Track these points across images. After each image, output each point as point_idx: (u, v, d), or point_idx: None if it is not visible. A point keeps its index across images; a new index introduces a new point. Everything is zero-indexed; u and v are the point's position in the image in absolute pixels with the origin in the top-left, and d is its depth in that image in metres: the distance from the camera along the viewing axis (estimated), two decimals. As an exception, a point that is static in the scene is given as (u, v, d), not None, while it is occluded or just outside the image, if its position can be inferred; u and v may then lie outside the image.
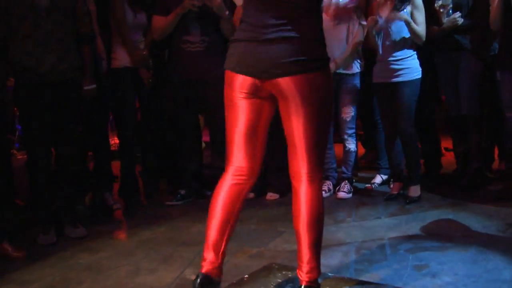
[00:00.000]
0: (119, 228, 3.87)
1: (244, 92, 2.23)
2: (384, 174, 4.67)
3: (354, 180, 4.65)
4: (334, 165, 4.58)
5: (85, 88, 3.72)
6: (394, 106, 4.08)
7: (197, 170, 4.52)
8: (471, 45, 4.21)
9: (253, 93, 2.23)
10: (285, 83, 2.16)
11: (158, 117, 4.70)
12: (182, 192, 4.45)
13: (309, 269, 2.29)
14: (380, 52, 4.10)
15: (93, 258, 3.24)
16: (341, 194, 4.36)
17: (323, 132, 2.27)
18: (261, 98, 2.25)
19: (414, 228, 3.48)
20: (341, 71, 4.31)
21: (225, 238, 2.31)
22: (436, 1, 4.16)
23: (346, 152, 4.45)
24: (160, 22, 4.22)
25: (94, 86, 3.79)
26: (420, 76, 4.05)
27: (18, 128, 6.82)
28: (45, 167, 3.61)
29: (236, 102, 2.26)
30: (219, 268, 2.33)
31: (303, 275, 2.30)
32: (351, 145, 4.43)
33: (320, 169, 2.29)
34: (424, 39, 4.01)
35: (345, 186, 4.40)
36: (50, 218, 3.63)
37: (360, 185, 4.73)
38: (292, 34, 2.15)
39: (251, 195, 4.24)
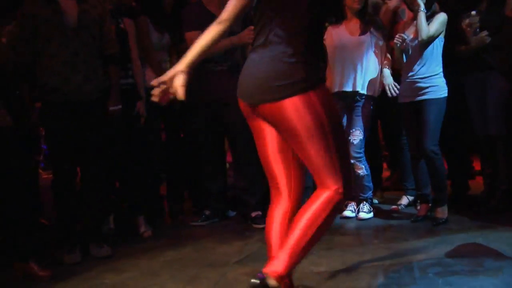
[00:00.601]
0: (144, 248, 3.85)
1: (251, 117, 2.20)
2: (411, 195, 4.61)
3: (373, 200, 4.59)
4: (356, 186, 4.47)
5: (111, 108, 3.74)
6: (419, 125, 4.03)
7: (221, 191, 4.51)
8: (499, 64, 4.16)
9: (258, 116, 2.17)
10: (265, 110, 2.10)
11: (182, 138, 4.71)
12: (207, 212, 4.45)
13: (276, 259, 2.07)
14: (407, 70, 4.07)
15: (118, 278, 3.22)
16: (361, 215, 4.32)
17: (328, 155, 2.08)
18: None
19: (442, 251, 3.39)
20: (357, 90, 4.29)
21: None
22: (463, 20, 4.13)
23: (357, 177, 4.37)
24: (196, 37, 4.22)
25: (119, 106, 3.81)
26: (446, 95, 4.01)
27: (43, 148, 6.90)
28: (70, 186, 3.63)
29: (252, 127, 2.23)
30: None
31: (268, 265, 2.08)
32: (360, 170, 4.36)
33: (339, 183, 2.09)
34: (425, 37, 3.90)
35: (364, 206, 4.36)
36: (75, 237, 3.64)
37: (386, 207, 4.67)
38: (267, 56, 2.08)
39: None
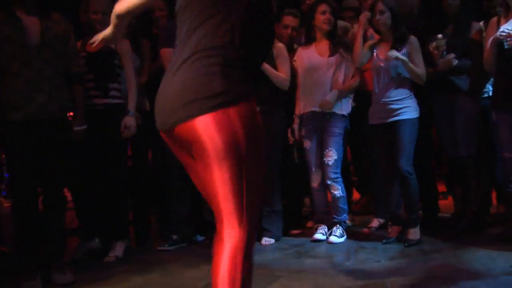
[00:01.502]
0: (109, 274, 3.68)
1: (175, 148, 1.88)
2: (381, 218, 4.56)
3: (347, 223, 4.51)
4: (327, 208, 4.45)
5: (76, 128, 3.63)
6: (393, 146, 4.02)
7: (189, 214, 4.38)
8: (467, 86, 4.19)
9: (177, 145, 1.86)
10: (179, 133, 1.77)
11: (146, 159, 4.59)
12: (174, 237, 4.32)
13: None
14: (379, 93, 4.06)
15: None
16: (332, 239, 4.23)
17: (237, 186, 1.71)
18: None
19: (416, 271, 3.32)
20: (327, 111, 4.27)
21: None
22: (430, 43, 4.16)
23: (333, 198, 4.33)
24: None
25: (84, 127, 3.70)
26: (418, 115, 4.03)
27: (5, 176, 6.67)
28: (31, 210, 3.46)
29: (181, 160, 1.91)
30: None
31: None
32: (336, 191, 4.30)
33: (243, 224, 1.72)
34: (424, 79, 4.01)
35: (337, 230, 4.28)
36: (35, 264, 3.46)
37: (357, 229, 4.61)
38: (181, 72, 1.76)
39: None
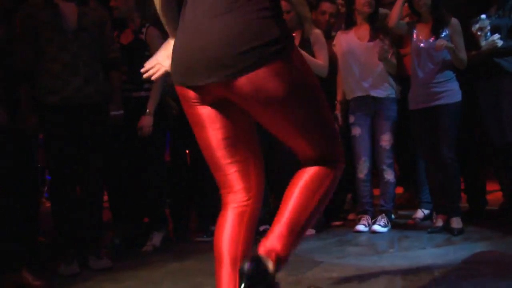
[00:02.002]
0: (146, 261, 3.64)
1: (195, 105, 1.73)
2: (426, 209, 4.40)
3: (393, 216, 4.37)
4: (371, 199, 4.31)
5: (112, 113, 3.62)
6: (435, 131, 3.87)
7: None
8: (512, 68, 4.01)
9: (205, 102, 1.72)
10: (236, 86, 1.60)
11: (184, 152, 4.55)
12: (212, 228, 4.24)
13: (271, 236, 1.66)
14: (421, 75, 3.93)
15: (118, 287, 3.02)
16: (376, 228, 4.09)
17: (326, 120, 1.74)
18: (221, 103, 1.71)
19: (463, 257, 3.18)
20: (374, 94, 4.16)
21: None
22: (473, 25, 4.00)
23: (385, 183, 4.21)
24: None
25: (121, 112, 3.69)
26: (460, 99, 3.89)
27: (48, 178, 6.77)
28: (68, 194, 3.46)
29: (193, 116, 1.76)
30: None
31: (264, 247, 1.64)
32: (390, 176, 4.19)
33: (342, 153, 1.78)
34: (466, 63, 3.88)
35: (382, 219, 4.14)
36: (73, 250, 3.44)
37: (401, 221, 4.46)
38: (223, 16, 1.60)
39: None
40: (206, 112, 1.73)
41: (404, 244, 3.66)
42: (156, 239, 4.06)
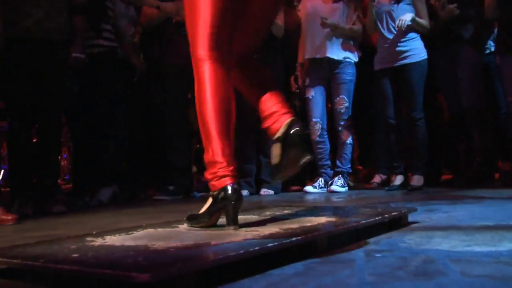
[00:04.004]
0: (103, 209, 3.58)
1: None
2: (384, 174, 4.45)
3: (349, 177, 4.40)
4: (328, 161, 4.35)
5: (74, 55, 3.58)
6: (402, 90, 3.95)
7: (186, 166, 4.28)
8: (469, 36, 4.13)
9: None
10: None
11: (144, 109, 4.52)
12: (171, 187, 4.20)
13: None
14: (389, 36, 4.00)
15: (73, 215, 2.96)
16: (333, 187, 4.13)
17: None
18: None
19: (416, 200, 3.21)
20: (331, 56, 4.21)
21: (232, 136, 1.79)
22: (430, -5, 4.13)
23: (341, 144, 4.26)
24: (148, 11, 4.19)
25: (83, 56, 3.65)
26: (426, 57, 3.98)
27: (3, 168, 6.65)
28: (25, 138, 3.38)
29: None
30: None
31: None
32: (346, 137, 4.24)
33: None
34: (429, 27, 3.99)
35: (338, 180, 4.17)
36: (28, 194, 3.36)
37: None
38: None
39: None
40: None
41: (362, 202, 3.66)
42: (104, 193, 4.01)
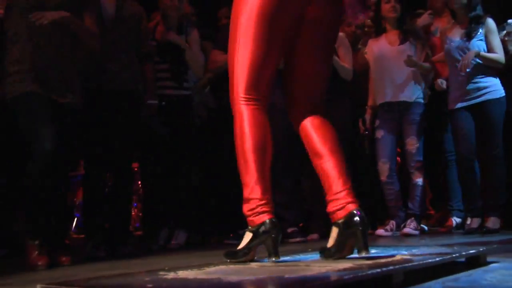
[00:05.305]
0: (169, 252, 3.61)
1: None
2: (458, 217, 4.28)
3: (426, 228, 4.27)
4: (399, 203, 4.22)
5: (148, 102, 3.72)
6: (480, 128, 3.85)
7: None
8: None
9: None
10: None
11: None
12: (241, 232, 4.17)
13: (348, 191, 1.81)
14: (463, 73, 3.88)
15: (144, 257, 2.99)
16: (407, 230, 3.99)
17: None
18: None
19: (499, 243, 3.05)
20: (403, 99, 4.16)
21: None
22: (500, 31, 4.04)
23: (413, 185, 4.13)
24: (219, 57, 4.25)
25: (156, 102, 3.79)
26: (504, 94, 3.87)
27: (77, 216, 6.83)
28: (100, 183, 3.50)
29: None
30: None
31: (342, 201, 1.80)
32: (418, 179, 4.12)
33: None
34: (503, 61, 3.87)
35: (411, 223, 4.04)
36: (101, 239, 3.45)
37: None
38: None
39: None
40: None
41: (436, 241, 3.54)
42: (181, 237, 4.03)
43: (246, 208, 1.79)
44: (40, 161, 2.83)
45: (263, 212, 1.75)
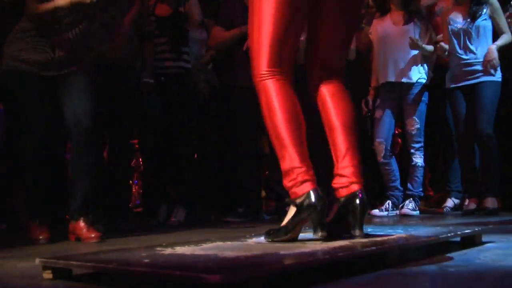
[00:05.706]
0: (168, 228, 3.64)
1: None
2: (456, 198, 4.30)
3: (420, 201, 4.29)
4: (396, 183, 4.23)
5: (144, 80, 3.71)
6: (474, 108, 3.84)
7: (256, 188, 4.30)
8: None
9: None
10: None
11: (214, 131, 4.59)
12: (240, 209, 4.21)
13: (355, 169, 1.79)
14: (464, 56, 3.91)
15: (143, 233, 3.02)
16: (405, 210, 4.03)
17: None
18: None
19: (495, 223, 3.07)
20: (405, 80, 4.16)
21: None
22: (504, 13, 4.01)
23: (413, 166, 4.16)
24: (219, 33, 4.25)
25: (152, 81, 3.77)
26: (501, 79, 3.86)
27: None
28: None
29: None
30: None
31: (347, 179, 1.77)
32: (418, 159, 4.14)
33: None
34: (510, 39, 3.87)
35: (410, 203, 4.07)
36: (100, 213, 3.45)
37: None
38: None
39: None
40: None
41: (434, 222, 3.56)
42: (181, 214, 4.05)
43: (286, 180, 1.69)
44: (30, 138, 2.84)
45: (304, 181, 1.66)
